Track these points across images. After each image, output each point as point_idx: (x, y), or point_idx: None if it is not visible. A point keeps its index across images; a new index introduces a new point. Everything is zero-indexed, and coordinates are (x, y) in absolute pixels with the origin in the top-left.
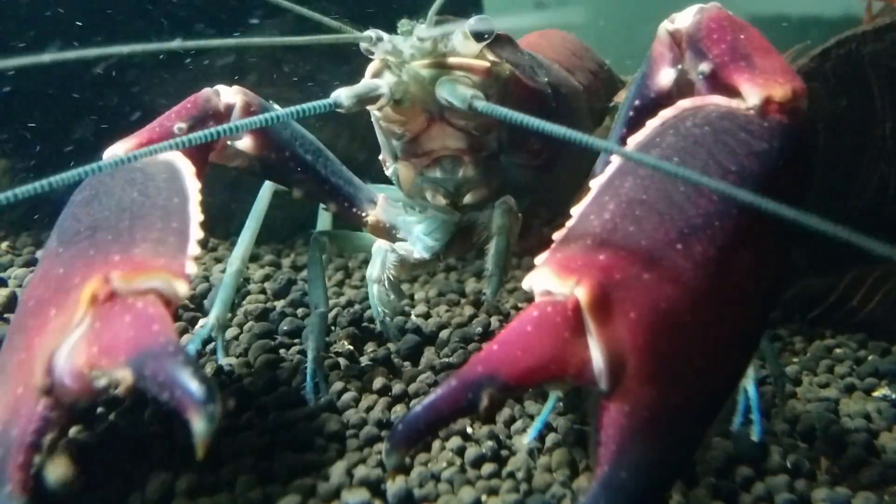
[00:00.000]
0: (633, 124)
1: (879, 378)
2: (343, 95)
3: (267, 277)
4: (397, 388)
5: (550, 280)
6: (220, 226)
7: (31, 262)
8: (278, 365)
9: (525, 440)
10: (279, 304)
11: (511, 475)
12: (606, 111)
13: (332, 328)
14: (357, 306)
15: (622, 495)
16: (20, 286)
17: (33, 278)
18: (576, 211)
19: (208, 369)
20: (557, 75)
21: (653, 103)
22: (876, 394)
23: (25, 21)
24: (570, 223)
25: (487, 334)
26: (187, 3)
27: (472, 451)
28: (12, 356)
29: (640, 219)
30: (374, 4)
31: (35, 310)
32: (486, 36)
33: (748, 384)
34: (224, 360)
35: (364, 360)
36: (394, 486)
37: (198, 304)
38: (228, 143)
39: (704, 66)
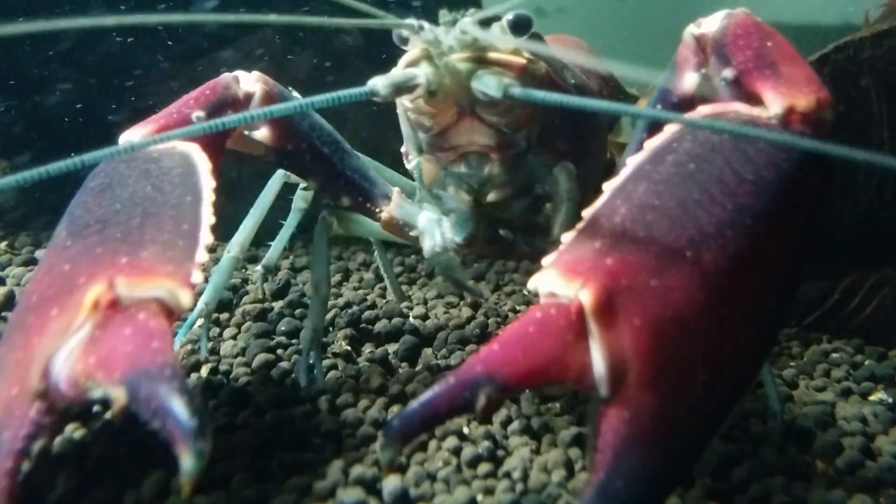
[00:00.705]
0: (655, 129)
1: (876, 382)
2: (380, 83)
3: (265, 279)
4: (394, 388)
5: (556, 281)
6: (218, 226)
7: (30, 262)
8: (276, 364)
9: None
10: (277, 304)
11: (507, 475)
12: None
13: (330, 329)
14: (355, 307)
15: (617, 503)
16: (18, 285)
17: (39, 269)
18: (587, 213)
19: (205, 371)
20: (580, 78)
21: (675, 108)
22: (872, 398)
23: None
24: (580, 225)
25: (485, 336)
26: None
27: (468, 451)
28: (10, 353)
29: (651, 224)
30: None
31: (37, 307)
32: (525, 31)
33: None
34: (204, 353)
35: (361, 361)
36: (389, 484)
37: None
38: (245, 131)
39: (728, 73)
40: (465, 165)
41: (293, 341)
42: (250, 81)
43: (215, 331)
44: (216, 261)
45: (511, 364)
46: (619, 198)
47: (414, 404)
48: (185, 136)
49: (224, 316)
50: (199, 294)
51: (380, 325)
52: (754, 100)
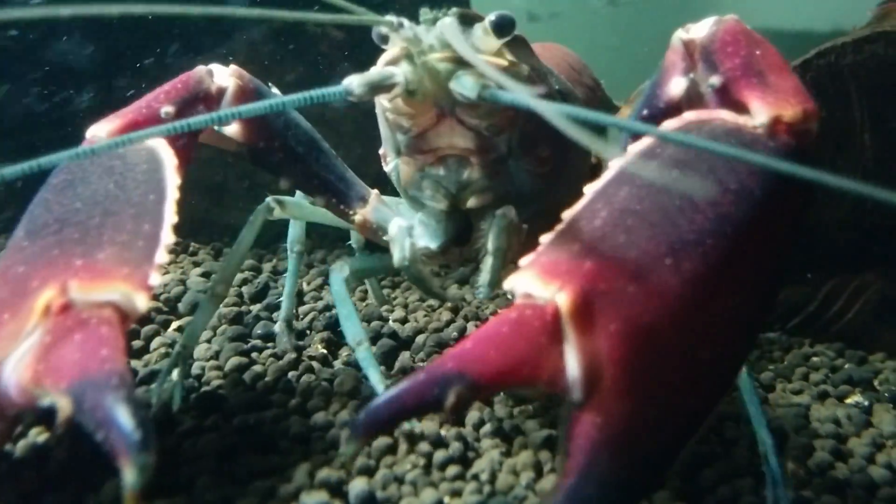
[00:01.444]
0: (638, 136)
1: (853, 385)
2: (355, 83)
3: (245, 282)
4: (367, 391)
5: (532, 283)
6: (203, 230)
7: None
8: (249, 368)
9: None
10: (255, 307)
11: (476, 477)
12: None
13: (308, 332)
14: (335, 310)
15: None
16: None
17: None
18: (567, 215)
19: (176, 374)
20: (565, 85)
21: (661, 113)
22: (849, 401)
23: None
24: (559, 227)
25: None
26: None
27: (438, 454)
28: None
29: (631, 229)
30: None
31: None
32: (508, 32)
33: (769, 453)
34: (178, 401)
35: (338, 364)
36: (356, 487)
37: (172, 307)
38: (216, 127)
39: (715, 79)
40: (443, 168)
41: (268, 344)
42: (224, 75)
43: None
44: (195, 264)
45: (483, 362)
46: (599, 201)
47: (381, 398)
48: (145, 137)
49: None
50: (174, 307)
51: None
52: (740, 108)
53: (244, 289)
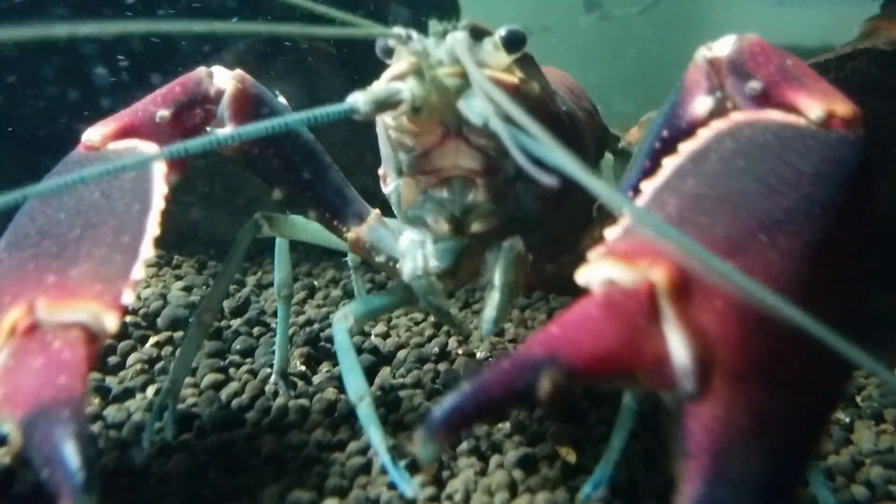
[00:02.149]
0: (660, 156)
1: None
2: (361, 100)
3: (226, 296)
4: (343, 408)
5: (614, 268)
6: (188, 242)
7: None
8: (225, 385)
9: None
10: (235, 322)
11: (450, 497)
12: (619, 152)
13: (287, 347)
14: (316, 325)
15: None
16: None
17: None
18: (627, 212)
19: (151, 391)
20: (570, 105)
21: (684, 133)
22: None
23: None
24: (624, 221)
25: (444, 354)
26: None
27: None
28: None
29: (711, 211)
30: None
31: None
32: (518, 48)
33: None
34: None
35: (318, 379)
36: None
37: (150, 322)
38: (208, 128)
39: (755, 84)
40: (447, 190)
41: (247, 360)
42: (224, 78)
43: (167, 349)
44: (177, 277)
45: (576, 345)
46: (664, 193)
47: (462, 391)
48: (138, 167)
49: (178, 335)
50: (152, 321)
51: None
52: (787, 109)
53: (226, 303)
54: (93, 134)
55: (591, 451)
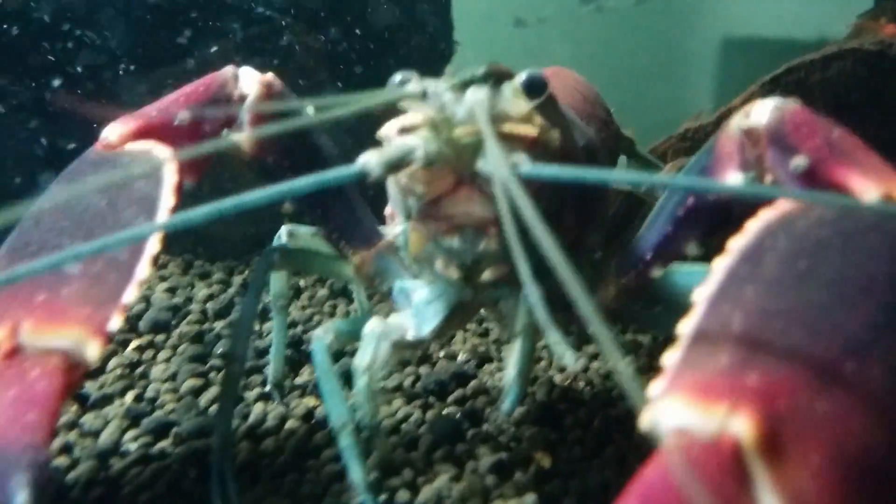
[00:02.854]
0: (683, 226)
1: None
2: (373, 162)
3: (210, 297)
4: (321, 413)
5: (685, 411)
6: (175, 241)
7: None
8: (205, 390)
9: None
10: (218, 324)
11: None
12: (633, 154)
13: (284, 357)
14: (300, 327)
15: None
16: None
17: None
18: (685, 328)
19: (130, 397)
20: (587, 134)
21: (710, 207)
22: None
23: None
24: (684, 340)
25: (425, 357)
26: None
27: (390, 481)
28: None
29: (784, 332)
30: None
31: None
32: (539, 94)
33: None
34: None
35: (300, 382)
36: None
37: (132, 325)
38: (225, 129)
39: (800, 161)
40: (458, 239)
41: None
42: (251, 81)
43: (149, 353)
44: (162, 279)
45: None
46: (724, 304)
47: None
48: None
49: (160, 338)
50: (134, 325)
51: None
52: (837, 190)
53: (209, 305)
54: (111, 132)
55: (567, 454)
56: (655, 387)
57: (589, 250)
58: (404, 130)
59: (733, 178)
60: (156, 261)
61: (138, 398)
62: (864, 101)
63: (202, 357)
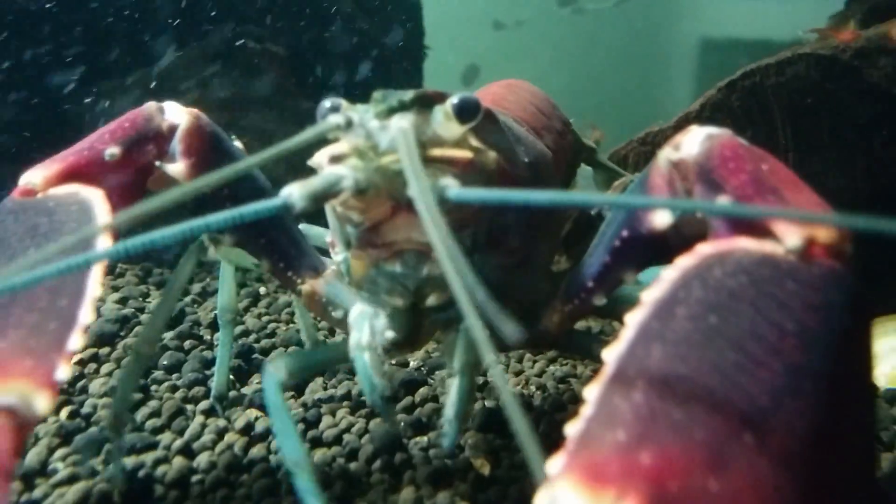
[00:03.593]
0: (619, 257)
1: None
2: (296, 194)
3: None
4: (261, 426)
5: (576, 497)
6: (141, 261)
7: None
8: (143, 404)
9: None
10: (167, 335)
11: None
12: (597, 163)
13: (228, 371)
14: (252, 336)
15: None
16: None
17: None
18: (590, 393)
19: (65, 413)
20: (534, 149)
21: (643, 240)
22: None
23: None
24: (586, 411)
25: None
26: None
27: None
28: None
29: (684, 402)
30: None
31: None
32: (471, 117)
33: None
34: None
35: (247, 391)
36: None
37: (92, 339)
38: (157, 164)
39: (724, 200)
40: (400, 265)
41: (172, 377)
42: (177, 112)
43: (91, 366)
44: (114, 289)
45: None
46: (630, 368)
47: None
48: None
49: (104, 351)
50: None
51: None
52: (759, 232)
53: None
54: (33, 176)
55: (509, 460)
56: (554, 464)
57: (539, 270)
58: (334, 159)
59: (661, 217)
60: (112, 271)
61: (73, 414)
62: (818, 104)
63: (144, 370)
